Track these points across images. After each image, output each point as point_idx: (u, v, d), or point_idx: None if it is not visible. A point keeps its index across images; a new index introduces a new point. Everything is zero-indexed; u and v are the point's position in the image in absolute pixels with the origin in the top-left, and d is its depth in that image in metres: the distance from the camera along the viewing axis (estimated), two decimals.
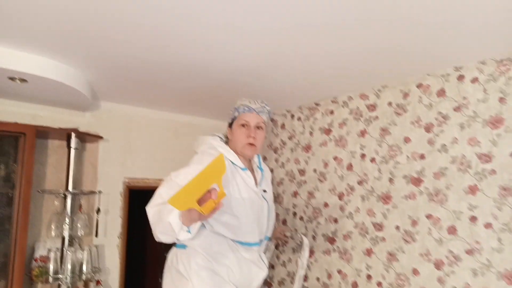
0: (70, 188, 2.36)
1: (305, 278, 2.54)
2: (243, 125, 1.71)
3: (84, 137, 2.48)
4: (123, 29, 1.54)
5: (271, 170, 2.96)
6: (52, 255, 2.24)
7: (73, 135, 2.37)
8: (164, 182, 1.50)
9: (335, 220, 2.41)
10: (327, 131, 2.54)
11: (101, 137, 2.56)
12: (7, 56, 1.75)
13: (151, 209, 1.37)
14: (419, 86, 2.06)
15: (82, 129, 2.53)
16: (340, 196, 2.40)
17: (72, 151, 2.39)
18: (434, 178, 1.94)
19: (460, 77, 1.89)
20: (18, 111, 2.34)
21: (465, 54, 1.75)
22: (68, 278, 2.21)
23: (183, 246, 1.69)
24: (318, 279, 2.47)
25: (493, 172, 1.73)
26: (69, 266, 2.24)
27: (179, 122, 3.06)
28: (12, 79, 1.88)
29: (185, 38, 1.63)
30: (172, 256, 1.75)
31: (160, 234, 1.32)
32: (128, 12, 1.40)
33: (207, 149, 1.67)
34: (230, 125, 1.76)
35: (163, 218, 1.25)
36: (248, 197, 1.68)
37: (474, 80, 1.84)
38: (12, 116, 2.29)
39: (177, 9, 1.37)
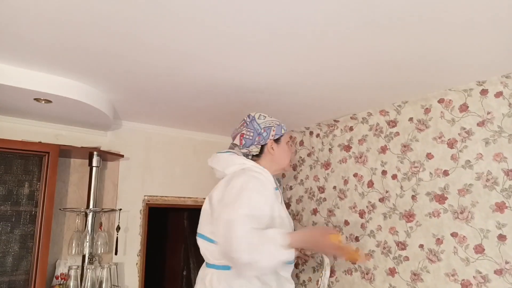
0: (91, 206, 2.39)
1: None
2: (288, 144, 1.78)
3: (106, 156, 2.52)
4: (144, 51, 1.58)
5: (290, 188, 2.94)
6: (72, 272, 2.25)
7: (95, 153, 2.41)
8: (240, 221, 1.41)
9: (356, 239, 2.35)
10: (347, 148, 2.51)
11: (122, 156, 2.59)
12: (33, 78, 1.81)
13: (250, 235, 1.40)
14: (440, 101, 2.03)
15: (103, 148, 2.58)
16: (361, 214, 2.35)
17: (94, 170, 2.43)
18: (458, 195, 1.89)
19: (483, 92, 1.85)
20: (42, 131, 2.40)
21: (487, 68, 1.72)
22: None
23: (227, 268, 1.59)
24: None
25: None
26: (89, 284, 2.25)
27: (197, 140, 3.09)
28: (37, 100, 1.94)
29: (204, 59, 1.66)
30: (210, 278, 1.62)
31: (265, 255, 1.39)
32: (149, 35, 1.43)
33: (247, 171, 1.65)
34: (276, 140, 1.78)
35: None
36: (286, 215, 1.70)
37: (499, 94, 1.80)
38: (37, 136, 2.35)
39: (196, 32, 1.39)
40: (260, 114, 1.83)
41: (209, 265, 1.66)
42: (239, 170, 1.67)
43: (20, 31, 1.42)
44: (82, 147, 2.39)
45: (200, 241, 1.69)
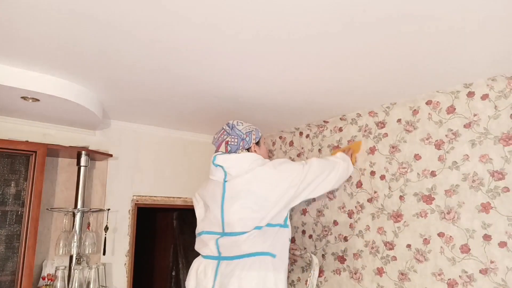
0: (79, 205, 2.36)
1: None
2: (264, 144, 2.21)
3: (94, 155, 2.49)
4: (135, 50, 1.57)
5: None
6: (59, 273, 2.23)
7: (83, 153, 2.39)
8: (303, 173, 1.97)
9: (345, 239, 2.37)
10: (336, 148, 2.53)
11: (110, 155, 2.57)
12: (20, 76, 1.79)
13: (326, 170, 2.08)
14: (428, 103, 2.05)
15: (92, 147, 2.55)
16: (350, 214, 2.37)
17: (82, 169, 2.40)
18: (445, 196, 1.92)
19: (470, 94, 1.88)
20: (30, 130, 2.37)
21: (474, 71, 1.75)
22: None
23: (274, 256, 1.88)
24: None
25: (506, 189, 1.71)
26: (76, 285, 2.22)
27: (187, 140, 3.08)
28: (24, 98, 1.92)
29: (194, 60, 1.65)
30: (261, 262, 1.85)
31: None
32: (140, 34, 1.43)
33: (262, 159, 1.99)
34: (257, 143, 2.06)
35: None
36: None
37: (485, 96, 1.83)
38: (24, 134, 2.32)
39: (187, 32, 1.39)
40: (237, 121, 2.04)
41: (254, 254, 1.85)
42: (260, 161, 1.96)
43: (7, 28, 1.40)
44: (70, 146, 2.37)
45: (256, 231, 1.87)
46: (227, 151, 1.96)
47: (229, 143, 1.96)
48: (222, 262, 1.88)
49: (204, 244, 1.97)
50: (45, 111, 2.16)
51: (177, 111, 2.48)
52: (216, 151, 2.02)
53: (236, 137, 1.97)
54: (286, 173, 1.93)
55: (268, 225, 1.90)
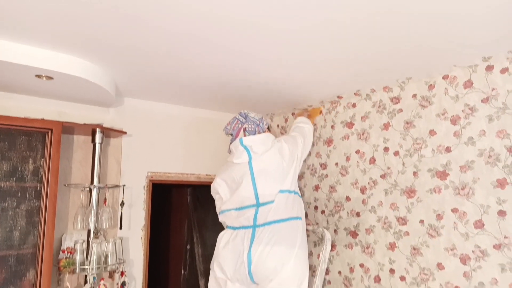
0: (95, 182, 2.41)
1: (327, 271, 2.53)
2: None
3: (108, 133, 2.52)
4: (148, 27, 1.56)
5: None
6: (78, 246, 2.30)
7: (98, 130, 2.42)
8: (300, 143, 2.44)
9: (357, 214, 2.39)
10: (349, 125, 2.51)
11: (124, 132, 2.60)
12: (33, 54, 1.80)
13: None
14: (445, 77, 2.01)
15: (106, 124, 2.58)
16: (363, 190, 2.37)
17: (97, 146, 2.44)
18: (460, 172, 1.90)
19: (489, 68, 1.83)
20: (45, 108, 2.40)
21: (494, 44, 1.69)
22: (94, 269, 2.27)
23: (300, 218, 2.28)
24: (340, 272, 2.46)
25: None
26: (94, 258, 2.30)
27: (201, 118, 3.08)
28: (38, 76, 1.93)
29: (207, 40, 1.64)
30: (297, 227, 2.23)
31: None
32: (152, 12, 1.41)
33: (276, 138, 2.42)
34: (268, 128, 2.46)
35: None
36: None
37: (504, 70, 1.78)
38: (39, 113, 2.36)
39: (199, 13, 1.37)
40: (247, 111, 2.40)
41: (285, 219, 2.20)
42: (276, 139, 2.37)
43: (21, 6, 1.40)
44: (84, 124, 2.40)
45: (282, 196, 2.23)
46: (245, 137, 2.30)
47: (247, 129, 2.31)
48: (258, 229, 2.16)
49: (236, 217, 2.24)
50: (59, 89, 2.18)
51: (190, 89, 2.47)
52: (235, 138, 2.34)
53: (252, 123, 2.33)
54: (293, 147, 2.36)
55: (290, 191, 2.26)
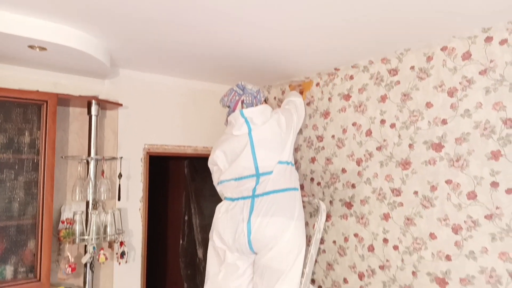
0: (92, 154, 2.42)
1: (322, 241, 2.59)
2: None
3: (104, 105, 2.51)
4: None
5: None
6: (77, 217, 2.33)
7: (93, 102, 2.40)
8: (294, 114, 2.49)
9: (353, 186, 2.42)
10: (346, 97, 2.50)
11: (120, 104, 2.58)
12: (26, 24, 1.76)
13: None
14: (443, 49, 1.99)
15: (101, 96, 2.56)
16: (358, 162, 2.39)
17: (93, 118, 2.43)
18: (456, 144, 1.91)
19: (488, 39, 1.81)
20: (40, 79, 2.37)
21: (494, 14, 1.67)
22: (93, 239, 2.32)
23: (297, 189, 2.32)
24: (334, 242, 2.52)
25: None
26: (94, 228, 2.34)
27: (197, 89, 3.06)
28: (31, 47, 1.90)
29: (205, 7, 1.60)
30: (295, 198, 2.28)
31: None
32: None
33: (274, 110, 2.46)
34: (265, 100, 2.50)
35: None
36: None
37: (503, 41, 1.76)
38: (34, 84, 2.33)
39: None
40: (244, 82, 2.40)
41: (283, 190, 2.24)
42: (274, 111, 2.40)
43: None
44: (80, 95, 2.38)
45: (280, 167, 2.27)
46: (243, 109, 2.31)
47: (245, 101, 2.34)
48: (257, 199, 2.20)
49: (235, 187, 2.27)
50: (53, 60, 2.14)
51: (186, 60, 2.44)
52: (233, 110, 2.36)
53: (249, 95, 2.36)
54: (289, 118, 2.40)
55: (288, 163, 2.30)
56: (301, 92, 2.75)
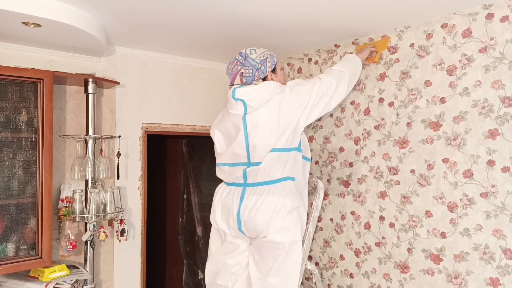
0: (90, 132, 2.41)
1: (319, 218, 2.62)
2: (281, 69, 2.20)
3: (101, 83, 2.49)
4: None
5: None
6: (77, 196, 2.35)
7: (90, 80, 2.38)
8: (314, 91, 2.01)
9: (350, 164, 2.43)
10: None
11: (117, 83, 2.56)
12: (20, 0, 1.72)
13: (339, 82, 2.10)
14: (443, 26, 1.96)
15: (98, 74, 2.53)
16: (356, 141, 2.40)
17: (90, 97, 2.41)
18: (453, 122, 1.92)
19: (489, 16, 1.79)
20: (34, 56, 2.34)
21: None
22: (93, 217, 2.34)
23: (294, 179, 2.07)
24: (331, 219, 2.55)
25: None
26: (93, 206, 2.35)
27: (194, 67, 3.03)
28: (25, 23, 1.87)
29: None
30: (289, 186, 2.05)
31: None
32: None
33: (280, 87, 2.04)
34: (273, 70, 2.07)
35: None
36: None
37: (504, 18, 1.74)
38: (29, 61, 2.30)
39: None
40: (250, 49, 2.02)
41: (277, 180, 2.02)
42: (279, 89, 2.00)
43: None
44: (76, 74, 2.36)
45: (272, 155, 1.99)
46: (243, 83, 2.00)
47: (244, 74, 1.98)
48: (248, 188, 2.06)
49: (228, 174, 2.15)
50: (48, 37, 2.11)
51: (183, 37, 2.40)
52: (232, 83, 2.06)
53: (250, 67, 1.98)
54: (299, 97, 1.98)
55: (285, 149, 2.01)
56: (377, 53, 2.26)
